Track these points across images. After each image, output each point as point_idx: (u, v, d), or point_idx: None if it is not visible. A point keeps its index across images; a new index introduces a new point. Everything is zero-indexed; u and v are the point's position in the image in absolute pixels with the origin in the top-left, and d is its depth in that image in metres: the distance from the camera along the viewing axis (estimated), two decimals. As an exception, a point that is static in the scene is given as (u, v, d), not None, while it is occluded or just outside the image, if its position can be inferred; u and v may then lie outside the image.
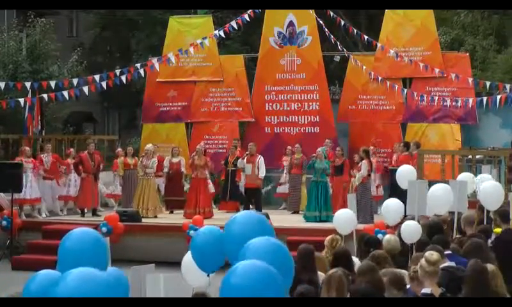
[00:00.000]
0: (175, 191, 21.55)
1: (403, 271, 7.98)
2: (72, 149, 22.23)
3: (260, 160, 20.71)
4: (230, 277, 4.85)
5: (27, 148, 20.89)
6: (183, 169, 21.69)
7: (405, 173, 14.36)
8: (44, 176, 20.84)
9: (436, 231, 9.86)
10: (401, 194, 13.47)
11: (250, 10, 23.29)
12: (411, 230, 10.27)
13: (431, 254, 7.54)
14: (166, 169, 21.69)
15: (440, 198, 11.68)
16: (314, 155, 20.23)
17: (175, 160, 21.68)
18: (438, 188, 12.01)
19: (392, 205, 12.43)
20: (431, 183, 12.70)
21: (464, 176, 14.35)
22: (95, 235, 5.22)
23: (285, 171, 22.65)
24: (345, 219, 11.96)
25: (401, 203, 12.56)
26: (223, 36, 24.66)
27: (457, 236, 10.97)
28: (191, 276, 7.58)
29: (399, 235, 10.41)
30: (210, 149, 23.83)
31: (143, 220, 19.83)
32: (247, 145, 21.76)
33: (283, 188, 22.92)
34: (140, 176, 20.59)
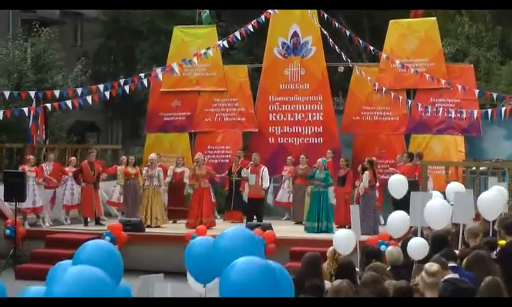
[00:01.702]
0: (178, 201, 21.58)
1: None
2: (73, 158, 22.20)
3: (264, 170, 20.75)
4: (228, 274, 4.85)
5: (32, 157, 20.94)
6: (185, 180, 21.66)
7: (396, 183, 14.36)
8: (45, 185, 20.87)
9: (439, 243, 9.84)
10: (401, 205, 13.46)
11: (254, 21, 23.31)
12: (418, 247, 10.20)
13: (431, 266, 7.55)
14: (168, 179, 21.68)
15: (437, 213, 11.64)
16: (315, 165, 20.27)
17: (178, 170, 21.69)
18: (436, 202, 11.98)
19: (397, 218, 12.38)
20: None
21: (456, 186, 14.29)
22: (109, 247, 5.24)
23: (284, 181, 22.63)
24: (345, 238, 11.79)
25: (407, 215, 12.54)
26: (227, 47, 24.68)
27: (461, 248, 10.94)
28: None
29: (403, 247, 10.38)
30: (214, 159, 23.84)
31: (147, 230, 19.85)
32: (251, 155, 21.77)
33: (285, 198, 22.88)
34: (146, 185, 20.62)
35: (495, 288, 7.14)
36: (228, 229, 5.74)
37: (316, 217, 19.72)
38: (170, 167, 21.89)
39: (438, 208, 11.74)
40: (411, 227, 12.06)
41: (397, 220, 12.33)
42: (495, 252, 10.12)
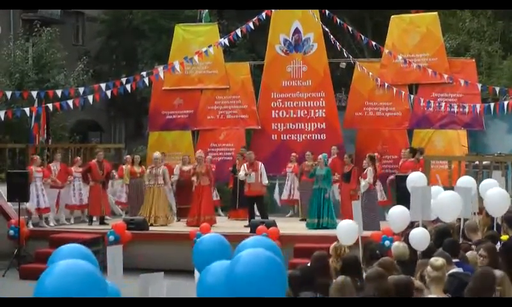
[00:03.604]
0: (187, 199, 21.42)
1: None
2: (78, 158, 22.25)
3: (262, 167, 20.63)
4: (234, 267, 4.86)
5: (37, 157, 20.94)
6: (193, 177, 21.70)
7: (415, 180, 14.31)
8: (51, 185, 20.84)
9: (443, 237, 9.85)
10: (409, 200, 13.44)
11: (255, 18, 23.31)
12: (420, 237, 10.22)
13: (436, 260, 7.54)
14: (176, 177, 21.63)
15: (448, 205, 11.64)
16: (316, 162, 20.25)
17: (186, 168, 21.64)
18: (446, 195, 11.97)
19: (398, 213, 12.39)
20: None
21: (466, 180, 14.26)
22: (84, 252, 5.23)
23: (288, 178, 22.60)
24: (347, 229, 11.81)
25: (407, 209, 12.54)
26: (228, 45, 24.65)
27: (462, 242, 10.93)
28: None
29: (407, 242, 10.38)
30: (217, 157, 23.83)
31: (151, 228, 19.85)
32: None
33: (288, 195, 22.84)
34: (150, 184, 20.60)
35: (486, 277, 7.15)
36: (245, 253, 5.52)
37: (316, 213, 19.71)
38: (177, 166, 21.85)
39: (448, 199, 11.74)
40: (412, 222, 12.05)
41: (398, 214, 12.34)
42: (497, 246, 10.12)
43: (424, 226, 11.05)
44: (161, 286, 6.05)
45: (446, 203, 11.68)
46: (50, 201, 20.69)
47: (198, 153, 21.11)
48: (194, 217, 20.11)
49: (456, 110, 21.74)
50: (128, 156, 22.66)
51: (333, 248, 10.04)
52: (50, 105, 22.12)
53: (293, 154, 22.61)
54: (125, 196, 22.37)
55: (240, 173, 20.80)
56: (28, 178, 19.43)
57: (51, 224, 20.78)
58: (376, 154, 21.10)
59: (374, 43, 23.89)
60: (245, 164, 20.69)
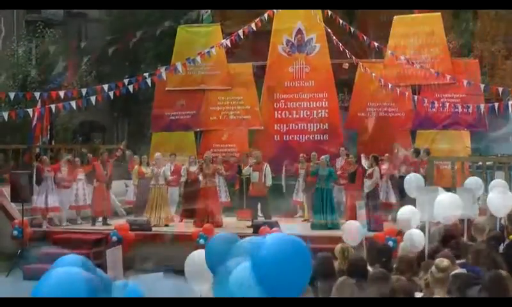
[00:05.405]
0: (195, 200, 21.22)
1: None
2: (77, 159, 22.17)
3: (267, 168, 20.62)
4: (259, 251, 4.86)
5: (45, 157, 20.90)
6: (201, 177, 21.68)
7: (413, 181, 14.31)
8: (64, 185, 20.80)
9: (448, 238, 9.85)
10: (410, 201, 13.43)
11: (257, 19, 23.30)
12: (415, 239, 10.23)
13: (441, 261, 7.51)
14: (184, 179, 21.59)
15: (448, 207, 11.62)
16: (318, 162, 20.23)
17: (192, 168, 21.60)
18: (445, 197, 11.96)
19: (407, 212, 12.38)
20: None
21: (473, 181, 14.25)
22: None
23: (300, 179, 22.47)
24: (353, 230, 11.80)
25: (416, 209, 12.51)
26: (230, 46, 24.62)
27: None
28: (196, 279, 7.56)
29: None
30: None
31: (155, 229, 19.83)
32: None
33: (300, 196, 22.70)
34: (152, 184, 20.59)
35: (498, 282, 7.11)
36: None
37: (322, 214, 19.66)
38: (183, 167, 21.77)
39: (448, 201, 11.72)
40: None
41: (407, 214, 12.32)
42: (501, 247, 10.11)
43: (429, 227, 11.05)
44: (156, 286, 6.05)
45: (445, 204, 11.67)
46: (60, 200, 20.64)
47: (206, 155, 21.10)
48: (203, 219, 20.05)
49: (459, 110, 21.73)
50: (136, 156, 22.58)
51: (340, 250, 9.98)
52: (53, 106, 22.10)
53: (301, 155, 22.42)
54: (133, 195, 22.25)
55: (245, 168, 20.94)
56: (32, 179, 19.43)
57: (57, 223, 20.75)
58: (386, 155, 21.08)
59: (376, 44, 23.85)
60: (252, 163, 20.80)
